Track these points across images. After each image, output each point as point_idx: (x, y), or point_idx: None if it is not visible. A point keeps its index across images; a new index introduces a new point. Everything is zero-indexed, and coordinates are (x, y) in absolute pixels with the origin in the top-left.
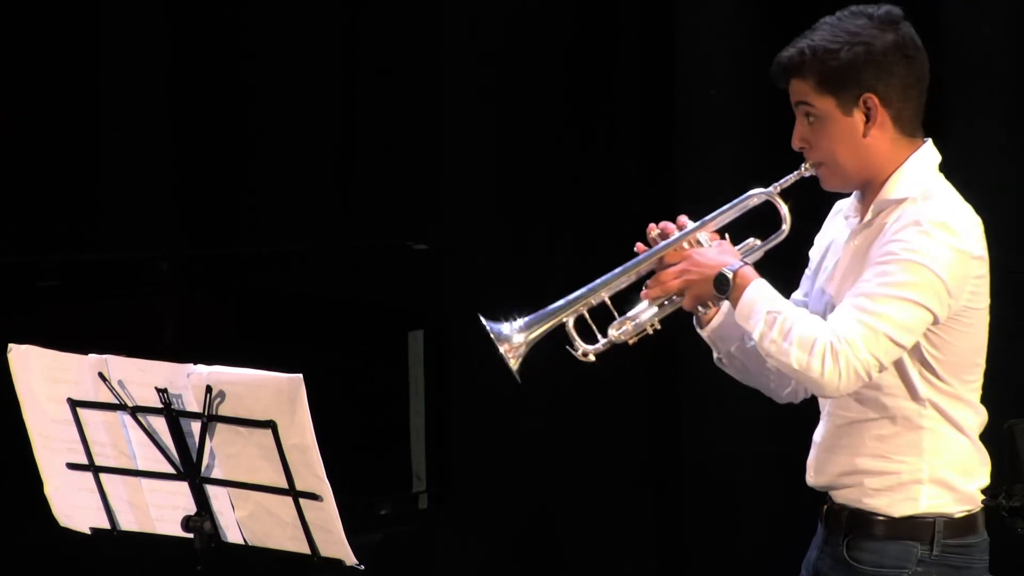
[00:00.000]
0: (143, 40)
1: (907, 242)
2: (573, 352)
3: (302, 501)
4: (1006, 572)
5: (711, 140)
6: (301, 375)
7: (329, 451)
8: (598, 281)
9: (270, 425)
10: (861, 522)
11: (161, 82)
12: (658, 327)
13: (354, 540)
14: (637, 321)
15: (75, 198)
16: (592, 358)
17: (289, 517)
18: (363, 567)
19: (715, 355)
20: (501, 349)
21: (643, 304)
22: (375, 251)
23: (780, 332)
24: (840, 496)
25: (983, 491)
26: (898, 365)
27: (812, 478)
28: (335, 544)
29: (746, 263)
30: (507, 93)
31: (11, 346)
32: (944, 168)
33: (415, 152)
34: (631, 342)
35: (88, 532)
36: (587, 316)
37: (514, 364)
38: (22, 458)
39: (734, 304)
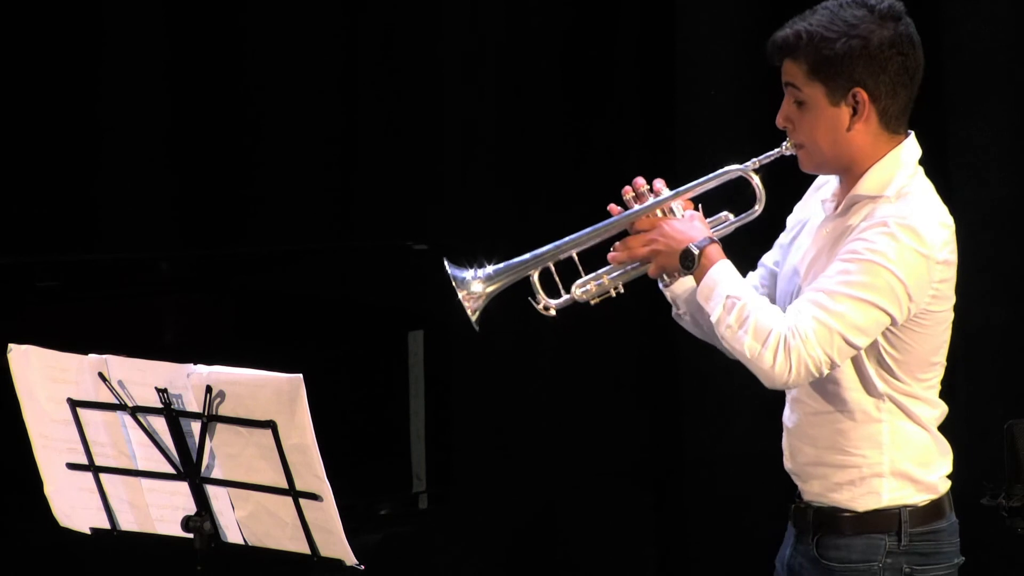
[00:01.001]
0: (143, 40)
1: (871, 242)
2: (535, 304)
3: (302, 501)
4: (1006, 572)
5: (711, 140)
6: (301, 375)
7: (329, 451)
8: (567, 239)
9: (270, 425)
10: (827, 519)
11: (160, 82)
12: (621, 290)
13: (354, 540)
14: (601, 282)
15: (75, 198)
16: (553, 312)
17: (289, 517)
18: (363, 567)
19: (674, 311)
20: (460, 295)
21: (609, 266)
22: (375, 251)
23: (737, 319)
24: (807, 489)
25: (988, 493)
26: (856, 361)
27: (788, 461)
28: (335, 544)
29: (715, 240)
30: (507, 93)
31: (11, 346)
32: (945, 168)
33: (415, 152)
34: (593, 302)
35: (88, 532)
36: (553, 271)
37: (472, 314)
38: (22, 458)
39: (697, 281)
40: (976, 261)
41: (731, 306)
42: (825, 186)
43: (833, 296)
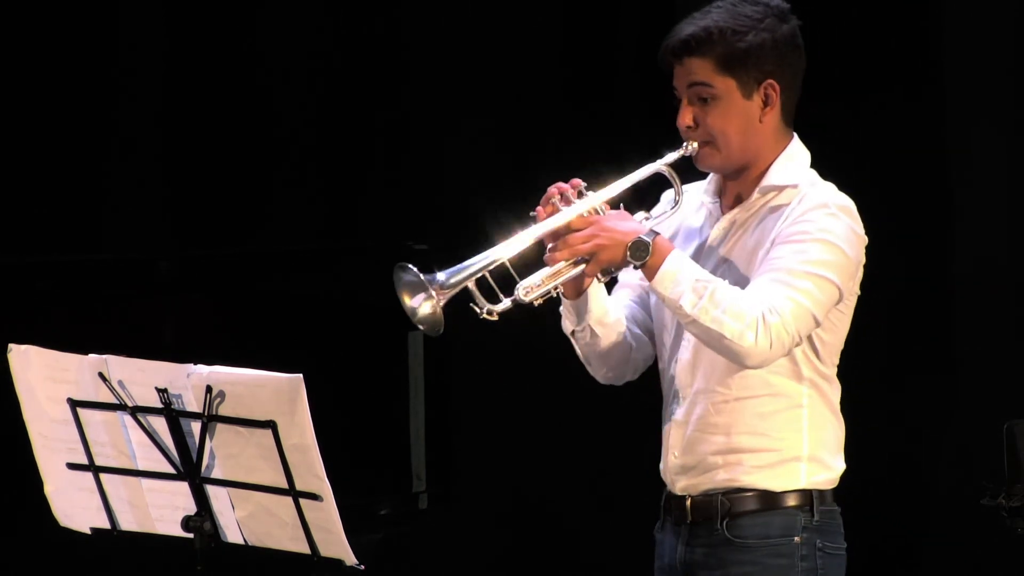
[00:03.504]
0: (143, 40)
1: (817, 222)
2: (477, 310)
3: (302, 501)
4: (1006, 572)
5: None
6: (301, 375)
7: (329, 451)
8: (502, 244)
9: (270, 425)
10: (738, 501)
11: (159, 82)
12: (561, 290)
13: (354, 540)
14: (540, 282)
15: (75, 198)
16: (495, 317)
17: (289, 517)
18: (363, 567)
19: (570, 327)
20: (406, 304)
21: (546, 268)
22: (375, 251)
23: (712, 302)
24: (708, 480)
25: (988, 493)
26: None
27: (675, 461)
28: (335, 544)
29: (657, 231)
30: (508, 93)
31: (11, 346)
32: (945, 168)
33: (415, 152)
34: (536, 303)
35: (88, 532)
36: (488, 277)
37: (422, 325)
38: (22, 458)
39: (651, 272)
40: (976, 261)
41: (702, 290)
42: (690, 195)
43: (795, 274)
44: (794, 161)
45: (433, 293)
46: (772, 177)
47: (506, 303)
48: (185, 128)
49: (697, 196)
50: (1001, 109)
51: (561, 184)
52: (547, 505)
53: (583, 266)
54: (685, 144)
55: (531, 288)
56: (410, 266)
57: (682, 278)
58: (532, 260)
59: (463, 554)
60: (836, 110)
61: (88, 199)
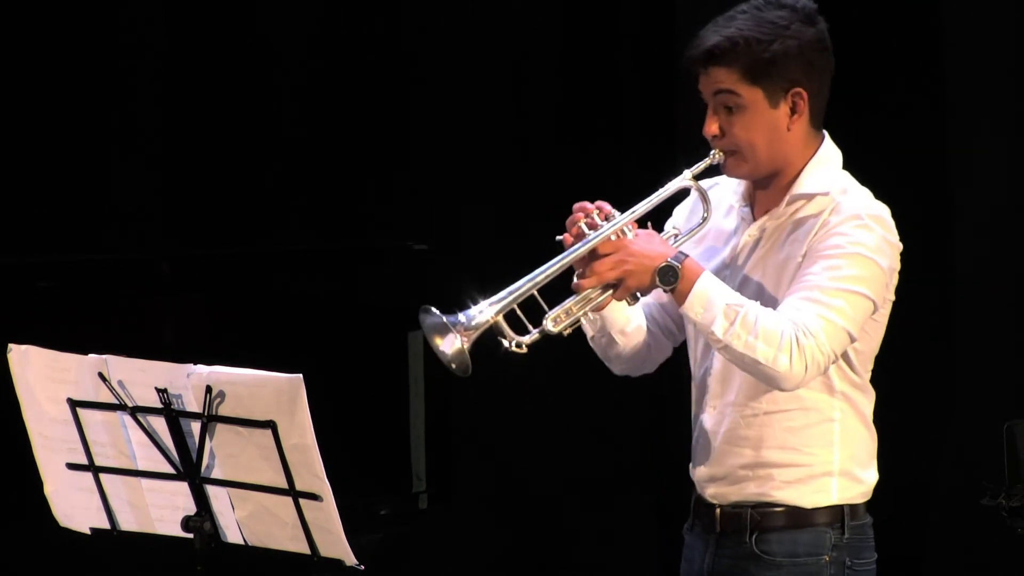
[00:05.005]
0: (143, 39)
1: (851, 236)
2: (504, 343)
3: (302, 501)
4: (1006, 572)
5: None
6: (301, 375)
7: (329, 451)
8: (533, 275)
9: (270, 425)
10: (768, 516)
11: (160, 82)
12: (591, 317)
13: (354, 540)
14: (568, 310)
15: (75, 198)
16: (524, 349)
17: (289, 517)
18: (363, 567)
19: (591, 333)
20: (435, 345)
21: (575, 296)
22: (375, 251)
23: (744, 326)
24: (737, 492)
25: (988, 493)
26: None
27: (704, 470)
28: (335, 544)
29: (685, 253)
30: (508, 94)
31: (11, 346)
32: (945, 168)
33: (415, 152)
34: (566, 333)
35: (88, 532)
36: (516, 309)
37: (451, 366)
38: (22, 458)
39: (680, 297)
40: (976, 261)
41: (734, 315)
42: (716, 197)
43: (827, 291)
44: (825, 166)
45: (457, 335)
46: (802, 185)
47: (534, 334)
48: (185, 128)
49: (728, 195)
50: (1002, 109)
51: (586, 205)
52: (547, 505)
53: (611, 291)
54: (712, 153)
55: (559, 318)
56: (433, 309)
57: (712, 303)
58: (557, 283)
59: (463, 554)
60: (836, 110)
61: (88, 199)
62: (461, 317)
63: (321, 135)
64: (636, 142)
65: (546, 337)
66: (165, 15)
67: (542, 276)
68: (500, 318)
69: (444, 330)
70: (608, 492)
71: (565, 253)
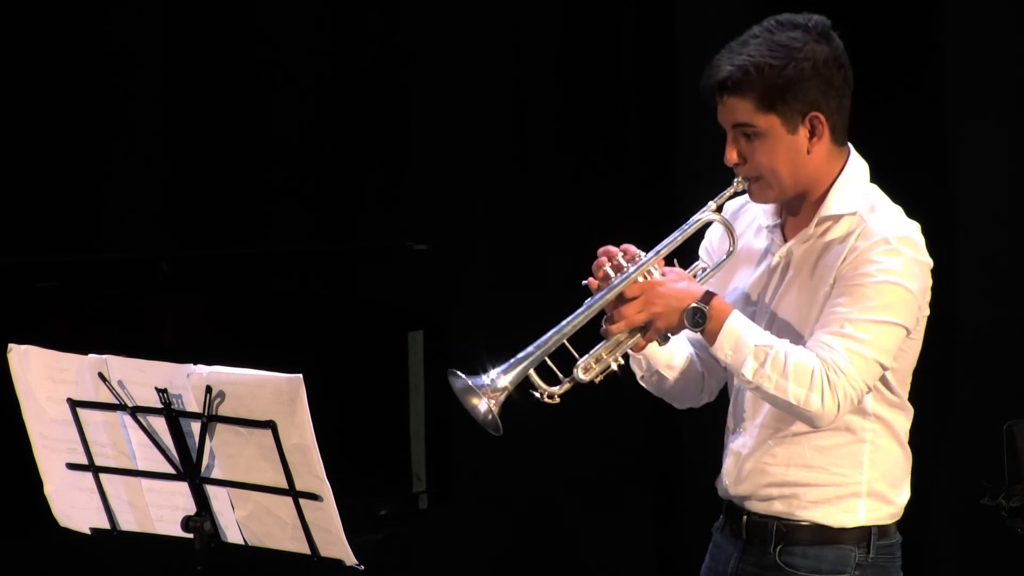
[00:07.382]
0: (142, 40)
1: (879, 263)
2: (536, 395)
3: (302, 501)
4: (1006, 572)
5: (712, 142)
6: (301, 375)
7: (329, 451)
8: (560, 326)
9: (270, 425)
10: (795, 530)
11: (159, 82)
12: (622, 362)
13: (354, 540)
14: (600, 357)
15: (75, 198)
16: (557, 400)
17: (289, 517)
18: (363, 567)
19: (639, 373)
20: (467, 406)
21: (604, 341)
22: (375, 251)
23: (774, 367)
24: (764, 507)
25: (988, 493)
26: None
27: (731, 487)
28: (335, 544)
29: (712, 292)
30: (508, 95)
31: (11, 346)
32: (945, 168)
33: (415, 152)
34: (597, 380)
35: (88, 532)
36: (548, 360)
37: (494, 422)
38: (22, 458)
39: (710, 337)
40: (976, 261)
41: (764, 355)
42: (753, 215)
43: (857, 324)
44: (851, 183)
45: (484, 397)
46: (830, 207)
47: (565, 384)
48: (185, 128)
49: (758, 215)
50: (1002, 108)
51: (611, 248)
52: (547, 505)
53: (640, 334)
54: (735, 181)
55: (590, 366)
56: (459, 373)
57: (742, 344)
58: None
59: (463, 554)
60: None
61: (88, 199)
62: (486, 379)
63: (321, 135)
64: (636, 141)
65: (577, 385)
66: (164, 15)
67: (569, 327)
68: (531, 371)
69: (471, 392)
70: (608, 492)
71: (591, 300)
